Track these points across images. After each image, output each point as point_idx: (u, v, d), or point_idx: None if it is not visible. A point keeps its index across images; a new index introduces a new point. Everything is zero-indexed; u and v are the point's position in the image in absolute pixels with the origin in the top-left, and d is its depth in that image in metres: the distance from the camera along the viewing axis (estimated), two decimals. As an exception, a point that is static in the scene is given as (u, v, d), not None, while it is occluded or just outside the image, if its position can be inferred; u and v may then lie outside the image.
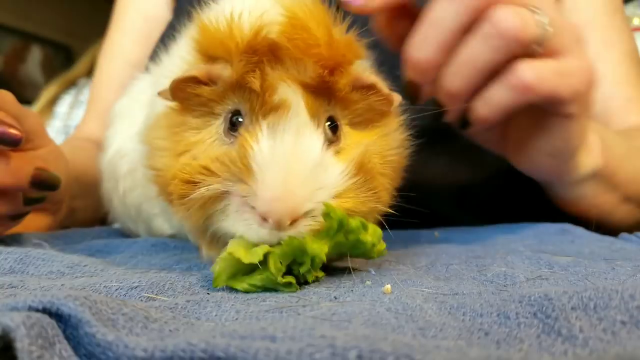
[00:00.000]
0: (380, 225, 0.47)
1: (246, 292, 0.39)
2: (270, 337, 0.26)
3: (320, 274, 0.43)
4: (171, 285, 0.41)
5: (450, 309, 0.32)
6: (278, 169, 0.39)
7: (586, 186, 0.66)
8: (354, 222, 0.42)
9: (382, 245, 0.44)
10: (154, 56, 0.73)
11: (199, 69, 0.43)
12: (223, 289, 0.40)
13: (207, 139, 0.44)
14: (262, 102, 0.41)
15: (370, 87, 0.45)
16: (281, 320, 0.30)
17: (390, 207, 0.48)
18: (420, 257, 0.53)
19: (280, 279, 0.39)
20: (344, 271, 0.46)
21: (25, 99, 3.98)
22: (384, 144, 0.47)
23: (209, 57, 0.44)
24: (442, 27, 0.49)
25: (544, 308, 0.29)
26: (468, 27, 0.48)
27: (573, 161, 0.61)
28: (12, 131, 0.48)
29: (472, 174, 0.76)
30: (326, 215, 0.40)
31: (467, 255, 0.54)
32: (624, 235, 0.64)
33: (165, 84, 0.44)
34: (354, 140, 0.45)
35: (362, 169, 0.43)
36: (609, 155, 0.65)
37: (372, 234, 0.43)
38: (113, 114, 0.72)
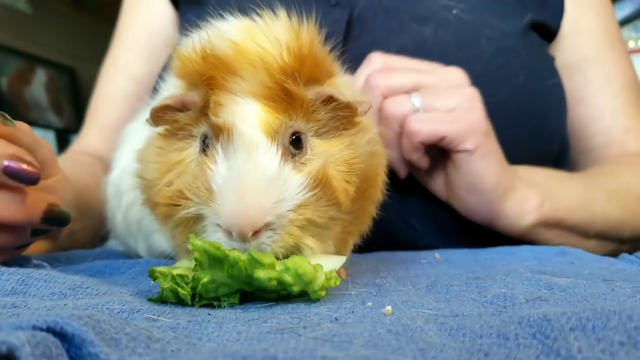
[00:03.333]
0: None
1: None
2: (271, 358, 0.26)
3: (234, 300, 0.43)
4: (172, 306, 0.41)
5: (450, 330, 0.32)
6: (233, 188, 0.42)
7: (533, 232, 0.75)
8: (253, 257, 0.40)
9: (316, 287, 0.42)
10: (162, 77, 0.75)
11: (172, 98, 0.47)
12: (224, 310, 0.41)
13: (187, 159, 0.47)
14: (213, 124, 0.44)
15: (331, 98, 0.46)
16: (282, 341, 0.30)
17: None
18: (421, 279, 0.53)
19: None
20: (345, 292, 0.46)
21: (30, 121, 4.02)
22: (351, 152, 0.47)
23: (189, 84, 0.48)
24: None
25: (543, 329, 0.29)
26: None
27: (501, 207, 0.72)
28: (30, 169, 0.48)
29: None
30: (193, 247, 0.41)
31: (467, 277, 0.54)
32: (625, 255, 0.64)
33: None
34: (321, 150, 0.46)
35: (322, 181, 0.44)
36: (557, 207, 0.74)
37: (302, 274, 0.41)
38: (122, 137, 0.73)
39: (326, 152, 0.46)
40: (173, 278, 0.42)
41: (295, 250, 0.45)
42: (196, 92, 0.46)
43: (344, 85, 0.53)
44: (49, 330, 0.27)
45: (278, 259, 0.43)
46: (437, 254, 0.72)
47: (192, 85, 0.47)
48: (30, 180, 0.48)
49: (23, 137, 0.52)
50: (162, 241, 0.67)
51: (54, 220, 0.52)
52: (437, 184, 0.77)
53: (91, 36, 4.28)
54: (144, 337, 0.29)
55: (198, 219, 0.45)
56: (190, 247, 0.41)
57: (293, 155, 0.45)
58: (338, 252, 0.50)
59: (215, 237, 0.44)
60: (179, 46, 0.48)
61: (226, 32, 0.48)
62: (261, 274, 0.40)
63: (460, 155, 0.70)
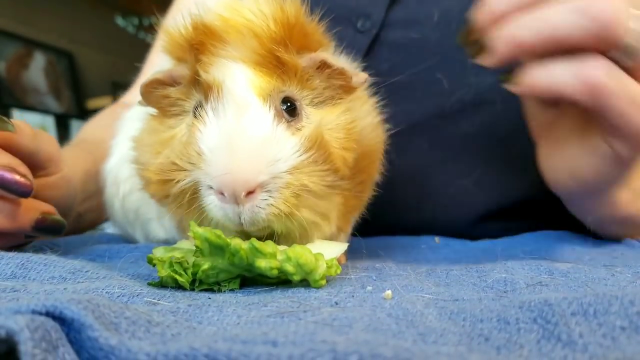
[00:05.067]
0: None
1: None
2: (271, 342, 0.26)
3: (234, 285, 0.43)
4: (172, 290, 0.41)
5: (450, 314, 0.32)
6: (223, 147, 0.41)
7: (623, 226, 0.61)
8: (253, 246, 0.40)
9: (317, 276, 0.42)
10: None
11: (162, 73, 0.46)
12: (224, 294, 0.41)
13: (179, 134, 0.46)
14: (203, 83, 0.43)
15: (324, 64, 0.46)
16: (282, 325, 0.30)
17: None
18: (421, 263, 0.53)
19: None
20: (345, 277, 0.46)
21: (29, 105, 4.00)
22: (348, 118, 0.47)
23: (176, 59, 0.47)
24: None
25: (544, 314, 0.29)
26: None
27: (602, 199, 0.55)
28: (23, 181, 0.48)
29: (491, 199, 0.76)
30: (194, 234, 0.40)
31: (467, 262, 0.54)
32: (628, 240, 0.64)
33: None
34: (316, 118, 0.46)
35: (316, 143, 0.43)
36: None
37: (303, 264, 0.41)
38: (119, 124, 0.73)
39: (322, 118, 0.45)
40: (171, 265, 0.42)
41: (290, 222, 0.43)
42: (185, 65, 0.45)
43: (339, 58, 0.52)
44: (48, 314, 0.27)
45: (275, 241, 0.43)
46: (437, 238, 0.72)
47: (181, 60, 0.47)
48: (22, 193, 0.48)
49: (22, 141, 0.51)
50: (159, 229, 0.67)
51: (46, 229, 0.52)
52: (541, 124, 0.56)
53: (90, 20, 4.25)
54: (144, 321, 0.29)
55: (194, 191, 0.44)
56: (191, 234, 0.40)
57: (288, 122, 0.44)
58: (339, 229, 0.50)
59: (208, 201, 0.43)
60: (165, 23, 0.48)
61: (212, 8, 0.47)
62: (262, 264, 0.40)
63: (605, 148, 0.49)
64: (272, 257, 0.40)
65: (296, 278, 0.41)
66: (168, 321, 0.31)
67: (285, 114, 0.44)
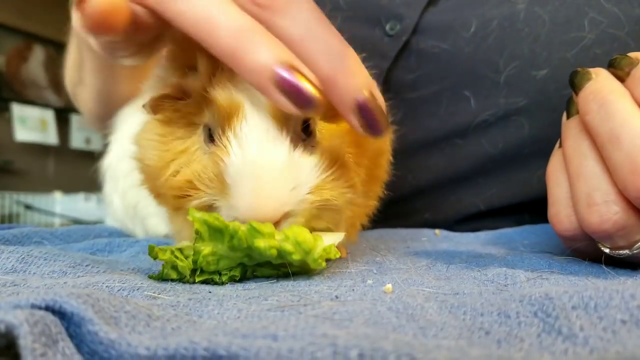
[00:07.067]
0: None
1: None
2: (272, 336, 0.26)
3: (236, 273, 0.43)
4: (173, 283, 0.41)
5: (450, 308, 0.32)
6: (249, 180, 0.41)
7: None
8: (252, 227, 0.40)
9: (316, 255, 0.41)
10: None
11: (171, 86, 0.44)
12: (225, 288, 0.41)
13: (191, 148, 0.45)
14: (221, 110, 0.42)
15: None
16: (283, 319, 0.30)
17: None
18: (421, 257, 0.53)
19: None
20: (345, 270, 0.46)
21: (28, 99, 4.00)
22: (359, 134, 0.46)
23: (184, 66, 0.45)
24: None
25: (545, 307, 0.29)
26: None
27: None
28: (311, 91, 0.38)
29: (501, 223, 0.75)
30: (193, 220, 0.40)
31: (467, 255, 0.54)
32: None
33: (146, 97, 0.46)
34: (329, 132, 0.45)
35: (336, 160, 0.44)
36: None
37: (302, 242, 0.41)
38: (117, 120, 0.73)
39: (334, 133, 0.45)
40: (172, 252, 0.42)
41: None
42: (195, 77, 0.44)
43: None
44: (47, 308, 0.27)
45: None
46: (437, 231, 0.72)
47: (190, 68, 0.45)
48: (308, 104, 0.38)
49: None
50: (158, 224, 0.67)
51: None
52: None
53: (89, 13, 4.22)
54: (144, 315, 0.29)
55: (209, 207, 0.44)
56: (190, 218, 0.40)
57: (303, 141, 0.44)
58: (348, 238, 0.50)
59: None
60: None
61: None
62: (261, 243, 0.40)
63: None
64: (270, 237, 0.40)
65: (295, 257, 0.41)
66: (168, 315, 0.31)
67: (302, 134, 0.44)
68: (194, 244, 0.42)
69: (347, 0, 0.71)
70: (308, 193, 0.42)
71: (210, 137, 0.44)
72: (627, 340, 0.26)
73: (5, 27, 3.69)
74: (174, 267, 0.42)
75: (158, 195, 0.48)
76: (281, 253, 0.40)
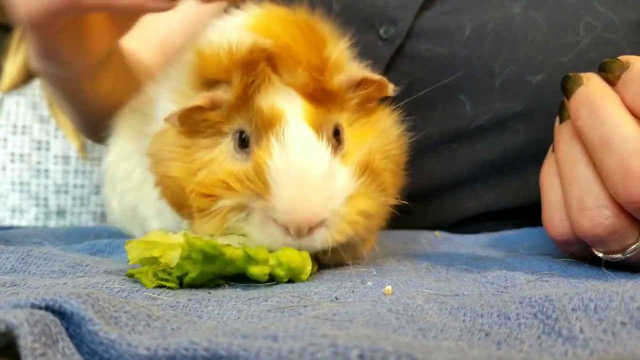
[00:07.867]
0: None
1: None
2: (272, 337, 0.26)
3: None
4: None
5: (450, 309, 0.32)
6: (292, 183, 0.42)
7: None
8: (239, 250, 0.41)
9: (304, 276, 0.43)
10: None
11: (202, 98, 0.45)
12: (224, 289, 0.41)
13: (219, 157, 0.46)
14: (263, 116, 0.44)
15: (362, 81, 0.47)
16: (283, 319, 0.30)
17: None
18: (421, 258, 0.53)
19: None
20: (345, 272, 0.46)
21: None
22: (383, 139, 0.48)
23: (209, 81, 0.46)
24: None
25: (545, 309, 0.29)
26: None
27: None
28: None
29: (498, 227, 0.74)
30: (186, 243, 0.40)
31: (467, 257, 0.54)
32: None
33: (169, 109, 0.47)
34: (355, 140, 0.47)
35: (367, 169, 0.45)
36: None
37: (294, 268, 0.42)
38: (114, 124, 0.73)
39: (363, 140, 0.47)
40: (155, 274, 0.41)
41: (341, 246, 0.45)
42: (226, 88, 0.45)
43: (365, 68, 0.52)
44: (47, 308, 0.27)
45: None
46: (437, 233, 0.72)
47: (212, 84, 0.46)
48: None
49: None
50: (157, 226, 0.67)
51: None
52: None
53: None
54: (144, 315, 0.29)
55: (238, 209, 0.44)
56: (185, 244, 0.40)
57: (335, 148, 0.45)
58: (367, 242, 0.51)
59: (268, 232, 0.43)
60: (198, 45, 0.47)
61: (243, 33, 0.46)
62: (256, 270, 0.41)
63: None
64: (264, 263, 0.41)
65: (284, 280, 0.42)
66: (168, 315, 0.31)
67: (334, 142, 0.45)
68: (176, 257, 0.41)
69: (341, 4, 0.71)
70: (341, 204, 0.43)
71: (242, 143, 0.45)
72: (627, 342, 0.26)
73: (2, 26, 3.70)
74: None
75: (181, 206, 0.48)
76: (273, 277, 0.42)
